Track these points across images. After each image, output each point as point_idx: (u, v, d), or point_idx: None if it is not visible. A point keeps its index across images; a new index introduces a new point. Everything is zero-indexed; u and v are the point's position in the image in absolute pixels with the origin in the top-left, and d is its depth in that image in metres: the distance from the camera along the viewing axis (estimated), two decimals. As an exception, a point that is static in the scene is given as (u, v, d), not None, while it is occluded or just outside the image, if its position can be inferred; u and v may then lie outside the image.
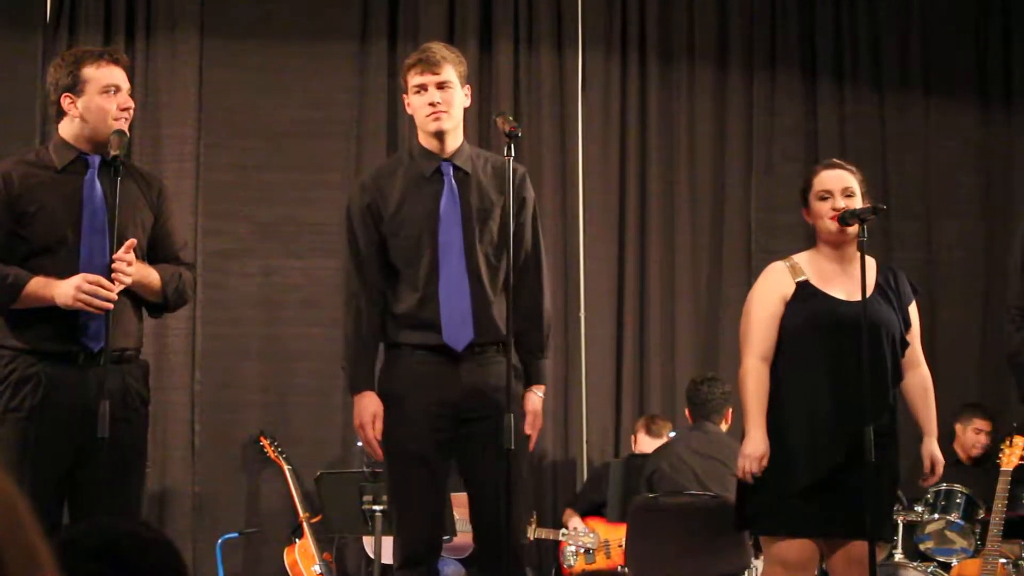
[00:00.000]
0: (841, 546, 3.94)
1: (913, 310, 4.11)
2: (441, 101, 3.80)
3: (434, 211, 3.81)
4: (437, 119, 3.82)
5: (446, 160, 3.85)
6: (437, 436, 3.78)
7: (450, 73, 3.82)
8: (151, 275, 3.80)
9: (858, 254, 3.93)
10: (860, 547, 3.88)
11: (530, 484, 4.11)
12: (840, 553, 3.95)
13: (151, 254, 3.89)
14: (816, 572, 4.07)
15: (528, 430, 3.87)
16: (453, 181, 3.84)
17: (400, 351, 3.85)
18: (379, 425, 3.79)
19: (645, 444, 6.42)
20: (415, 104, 3.84)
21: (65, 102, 3.77)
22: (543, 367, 3.96)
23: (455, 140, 3.89)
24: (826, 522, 3.90)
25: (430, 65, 3.81)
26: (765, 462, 3.93)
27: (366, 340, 3.87)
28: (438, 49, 3.88)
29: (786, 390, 3.97)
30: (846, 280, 3.99)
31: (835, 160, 4.24)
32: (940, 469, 4.06)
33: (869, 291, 3.95)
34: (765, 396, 3.96)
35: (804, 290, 3.99)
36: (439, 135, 3.84)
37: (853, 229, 3.97)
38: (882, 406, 3.92)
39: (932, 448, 4.05)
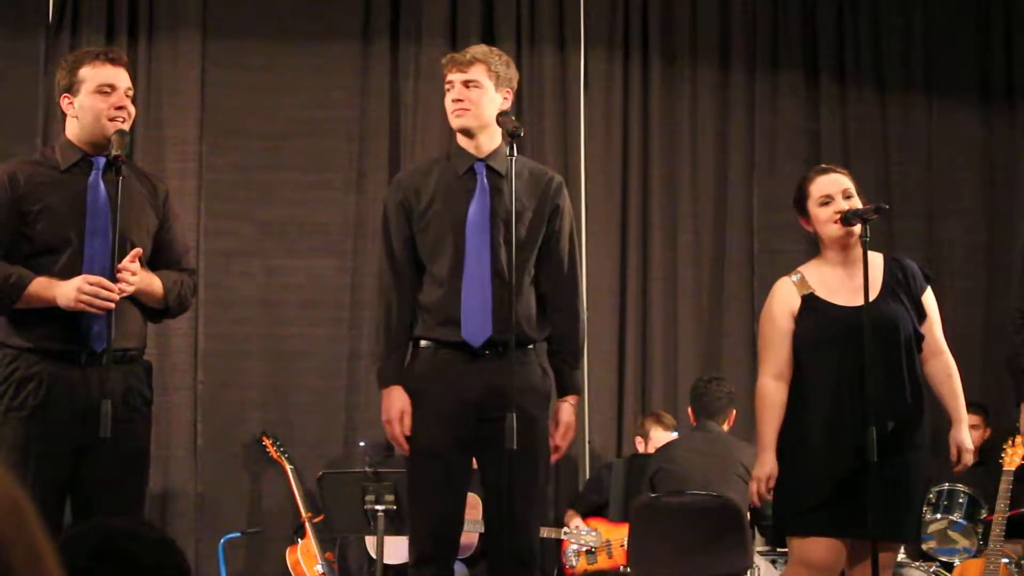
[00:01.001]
0: (867, 556, 3.92)
1: (928, 298, 4.11)
2: (463, 98, 3.83)
3: (463, 209, 3.82)
4: (458, 116, 3.86)
5: (481, 160, 3.87)
6: (457, 434, 3.78)
7: (479, 72, 3.84)
8: (154, 282, 3.81)
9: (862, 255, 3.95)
10: (885, 556, 3.90)
11: (547, 489, 4.11)
12: (866, 560, 3.94)
13: (154, 259, 3.90)
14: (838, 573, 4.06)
15: (559, 441, 3.90)
16: (486, 181, 3.85)
17: (424, 348, 3.87)
18: (407, 421, 3.80)
19: (661, 437, 6.38)
20: (447, 102, 3.89)
21: (64, 103, 3.81)
22: (576, 377, 3.98)
23: (490, 141, 3.90)
24: (851, 523, 3.89)
25: (458, 63, 3.86)
26: (773, 483, 3.95)
27: (397, 335, 3.89)
28: (474, 49, 3.92)
29: (805, 402, 3.98)
30: (851, 285, 3.98)
31: (826, 165, 4.26)
32: (968, 457, 4.04)
33: (876, 291, 3.95)
34: (777, 416, 3.98)
35: (810, 303, 4.00)
36: (464, 132, 3.88)
37: (856, 229, 3.97)
38: (900, 404, 3.92)
39: (960, 436, 4.03)
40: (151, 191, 3.94)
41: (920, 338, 4.04)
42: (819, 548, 3.91)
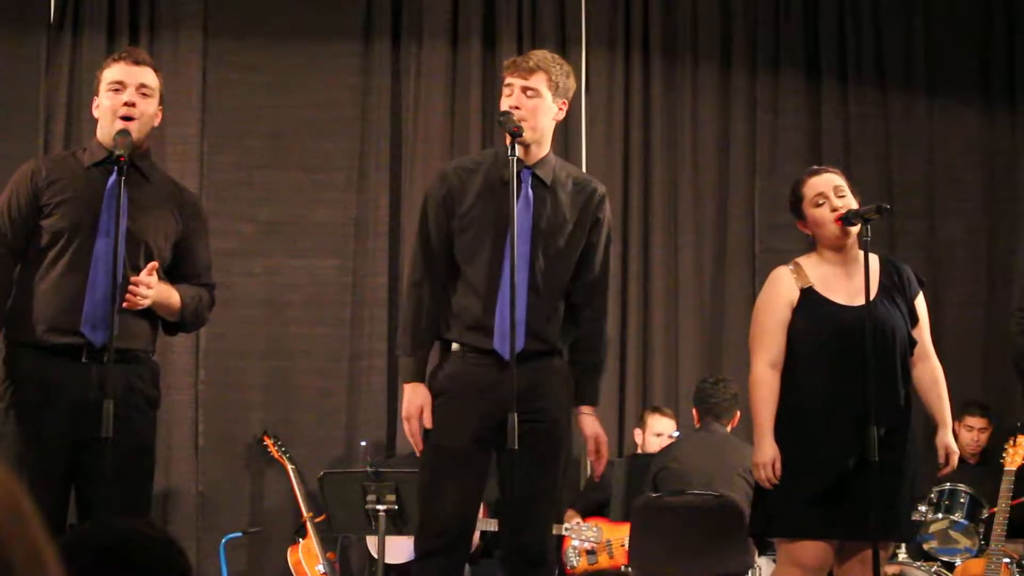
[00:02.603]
0: (856, 552, 3.93)
1: (920, 303, 4.11)
2: (521, 106, 3.75)
3: (505, 217, 3.72)
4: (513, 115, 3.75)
5: (528, 168, 3.78)
6: (480, 435, 3.74)
7: (540, 81, 3.77)
8: (172, 296, 3.83)
9: (861, 254, 3.95)
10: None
11: (562, 492, 4.11)
12: (855, 559, 3.95)
13: (174, 270, 3.92)
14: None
15: (592, 457, 3.89)
16: (531, 190, 3.77)
17: (454, 352, 3.83)
18: (427, 415, 3.76)
19: (659, 425, 6.39)
20: (502, 104, 3.81)
21: (93, 104, 3.89)
22: (597, 388, 3.97)
23: (539, 149, 3.82)
24: (843, 524, 3.89)
25: (520, 69, 3.78)
26: (779, 466, 3.93)
27: (425, 332, 3.84)
28: (537, 55, 3.84)
29: (797, 395, 3.97)
30: (849, 283, 4.00)
31: (816, 167, 4.26)
32: (955, 460, 4.05)
33: (873, 293, 3.95)
34: (775, 404, 3.96)
35: (808, 297, 4.00)
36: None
37: (855, 229, 3.98)
38: (893, 407, 3.93)
39: (946, 439, 4.05)
40: (178, 199, 3.97)
41: (913, 343, 4.04)
42: (809, 550, 3.91)
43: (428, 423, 3.77)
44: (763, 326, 4.04)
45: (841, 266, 4.03)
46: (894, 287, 4.05)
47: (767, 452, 3.92)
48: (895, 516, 3.95)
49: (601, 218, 3.90)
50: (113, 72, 3.83)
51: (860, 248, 3.98)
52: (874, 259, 4.05)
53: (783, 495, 3.94)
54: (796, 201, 4.09)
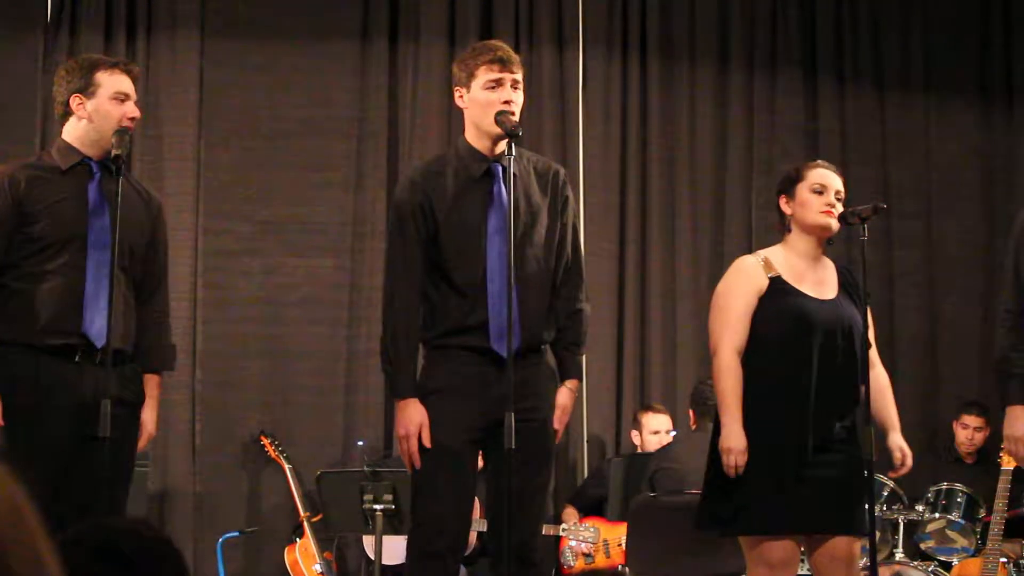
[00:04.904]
0: (823, 543, 3.93)
1: (867, 312, 4.12)
2: (514, 101, 3.73)
3: (486, 215, 3.73)
4: (513, 118, 3.72)
5: (495, 162, 3.77)
6: (472, 436, 3.74)
7: (520, 73, 3.79)
8: (156, 398, 4.01)
9: (825, 258, 4.02)
10: (843, 544, 3.90)
11: (551, 492, 4.10)
12: (822, 550, 3.94)
13: (142, 271, 3.95)
14: (797, 571, 4.05)
15: (556, 424, 3.86)
16: (503, 184, 3.75)
17: (445, 352, 3.79)
18: (425, 435, 3.71)
19: (654, 423, 6.40)
20: (483, 99, 3.73)
21: (74, 102, 3.84)
22: (578, 363, 3.96)
23: (502, 142, 3.78)
24: (802, 518, 3.88)
25: (509, 64, 3.75)
26: (744, 458, 3.88)
27: (412, 342, 3.80)
28: (507, 47, 3.83)
29: (759, 386, 3.92)
30: (814, 278, 4.01)
31: (826, 163, 4.23)
32: (909, 460, 4.05)
33: (834, 291, 4.01)
34: (741, 391, 3.92)
35: (777, 286, 3.98)
36: (500, 138, 3.72)
37: (834, 224, 3.99)
38: (851, 401, 3.95)
39: (899, 440, 4.05)
40: (147, 199, 4.03)
41: (867, 344, 4.05)
42: (775, 547, 3.87)
43: (427, 441, 3.71)
44: (729, 311, 3.96)
45: (809, 259, 4.03)
46: (852, 289, 4.07)
47: (739, 439, 3.83)
48: (857, 509, 3.95)
49: (568, 197, 3.92)
50: (118, 83, 3.85)
51: (857, 247, 4.02)
52: (831, 264, 4.08)
53: (740, 491, 3.89)
54: (793, 180, 4.05)
